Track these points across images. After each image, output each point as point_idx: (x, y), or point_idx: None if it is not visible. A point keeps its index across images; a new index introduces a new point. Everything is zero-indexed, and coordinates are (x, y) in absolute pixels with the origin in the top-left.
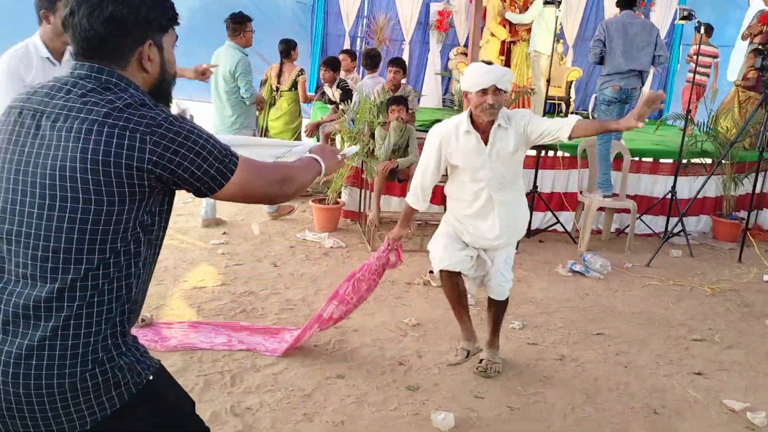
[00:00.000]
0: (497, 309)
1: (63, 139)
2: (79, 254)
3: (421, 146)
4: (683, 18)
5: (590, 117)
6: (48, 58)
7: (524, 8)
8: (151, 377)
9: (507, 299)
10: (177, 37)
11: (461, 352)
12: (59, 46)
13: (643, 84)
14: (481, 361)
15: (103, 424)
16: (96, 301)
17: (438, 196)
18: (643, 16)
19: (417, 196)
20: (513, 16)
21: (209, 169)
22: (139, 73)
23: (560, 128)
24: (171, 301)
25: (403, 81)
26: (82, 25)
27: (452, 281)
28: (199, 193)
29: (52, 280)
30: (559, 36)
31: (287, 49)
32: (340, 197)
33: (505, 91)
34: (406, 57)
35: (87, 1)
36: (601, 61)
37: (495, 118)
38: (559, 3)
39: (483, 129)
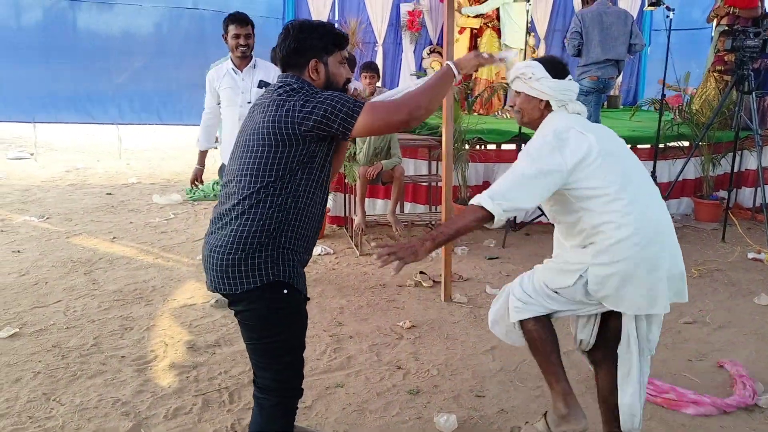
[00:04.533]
0: None
1: (261, 114)
2: (256, 176)
3: (403, 147)
4: (652, 4)
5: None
6: (232, 68)
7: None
8: (285, 291)
9: None
10: (344, 57)
11: None
12: (237, 61)
13: (619, 72)
14: None
15: (240, 295)
16: (261, 205)
17: (421, 196)
18: (610, 4)
19: None
20: (469, 9)
21: (338, 115)
22: (310, 79)
23: None
24: (162, 321)
25: (378, 84)
26: (281, 54)
27: None
28: (342, 135)
29: (239, 194)
30: (530, 29)
31: (274, 56)
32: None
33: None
34: (379, 59)
35: (282, 42)
36: (579, 53)
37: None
38: None
39: None
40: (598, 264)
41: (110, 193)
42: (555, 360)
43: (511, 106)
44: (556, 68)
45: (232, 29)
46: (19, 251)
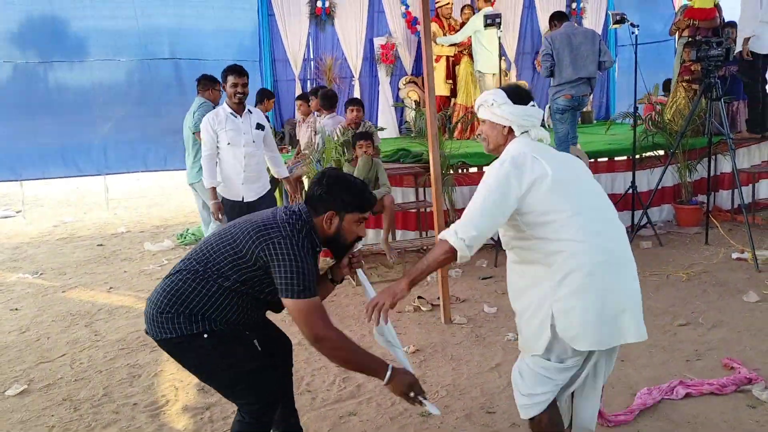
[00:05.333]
0: None
1: (256, 223)
2: (214, 256)
3: (389, 176)
4: (617, 22)
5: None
6: (231, 113)
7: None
8: (205, 335)
9: None
10: (363, 218)
11: None
12: (234, 107)
13: (592, 90)
14: None
15: (162, 343)
16: (195, 277)
17: (411, 223)
18: (576, 24)
19: None
20: (443, 39)
21: (280, 281)
22: (321, 226)
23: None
24: (168, 366)
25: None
26: (309, 192)
27: None
28: (278, 292)
29: (193, 257)
30: (500, 53)
31: (261, 98)
32: None
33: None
34: (357, 92)
35: (314, 184)
36: (552, 74)
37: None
38: (499, 24)
39: None
40: (558, 300)
41: (101, 244)
42: None
43: (478, 135)
44: (518, 95)
45: (231, 79)
46: (17, 309)
